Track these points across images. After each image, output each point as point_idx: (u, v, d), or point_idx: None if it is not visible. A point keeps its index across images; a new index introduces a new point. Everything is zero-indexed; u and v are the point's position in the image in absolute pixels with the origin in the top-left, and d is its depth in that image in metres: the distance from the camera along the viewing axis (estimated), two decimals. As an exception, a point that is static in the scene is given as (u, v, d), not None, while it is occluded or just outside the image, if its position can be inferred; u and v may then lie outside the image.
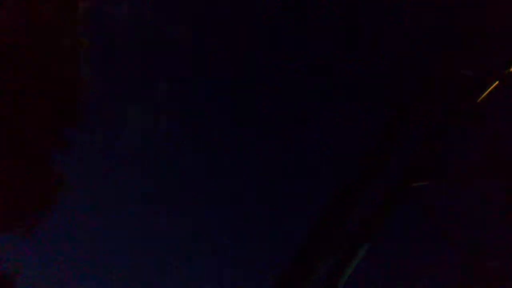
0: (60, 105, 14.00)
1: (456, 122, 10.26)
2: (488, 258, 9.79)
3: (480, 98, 10.45)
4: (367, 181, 8.43)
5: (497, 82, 10.52)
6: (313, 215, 8.24)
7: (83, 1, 14.47)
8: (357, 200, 8.32)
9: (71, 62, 14.21)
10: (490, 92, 10.49)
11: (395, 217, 9.43)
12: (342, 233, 8.44)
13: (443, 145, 10.37)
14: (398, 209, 9.57)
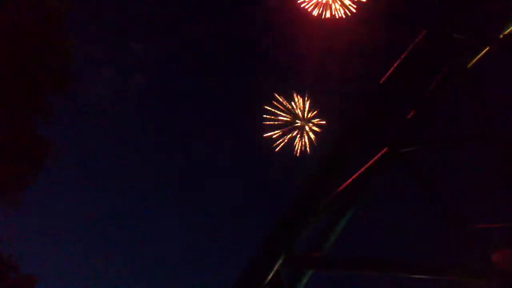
0: (45, 72, 13.68)
1: (447, 87, 10.22)
2: (476, 221, 10.00)
3: (471, 63, 10.39)
4: (355, 144, 8.41)
5: (488, 48, 10.43)
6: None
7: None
8: (345, 164, 8.32)
9: (55, 29, 13.80)
10: (482, 57, 10.42)
11: (384, 181, 9.51)
12: (331, 195, 8.47)
13: (433, 111, 10.35)
14: (387, 173, 9.63)
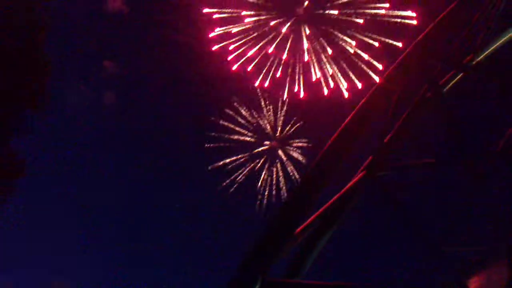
0: (20, 91, 13.49)
1: (423, 111, 10.40)
2: (448, 243, 10.15)
3: (446, 89, 10.62)
4: (333, 167, 8.41)
5: (462, 74, 10.69)
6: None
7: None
8: (319, 188, 8.29)
9: (31, 47, 13.62)
10: (456, 83, 10.67)
11: (359, 204, 9.52)
12: (308, 219, 8.43)
13: (409, 135, 10.50)
14: (364, 197, 9.67)
